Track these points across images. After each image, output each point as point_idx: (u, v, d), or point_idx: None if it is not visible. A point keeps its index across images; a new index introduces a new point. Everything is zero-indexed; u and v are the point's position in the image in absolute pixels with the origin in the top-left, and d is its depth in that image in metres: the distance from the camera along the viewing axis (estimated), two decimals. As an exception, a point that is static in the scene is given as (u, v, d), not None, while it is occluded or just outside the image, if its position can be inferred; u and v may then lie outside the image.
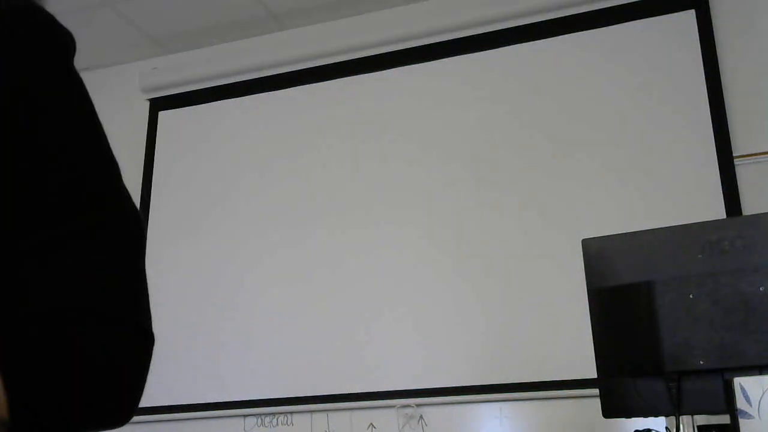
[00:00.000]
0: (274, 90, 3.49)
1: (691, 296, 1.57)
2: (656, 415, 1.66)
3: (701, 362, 1.54)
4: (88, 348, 0.63)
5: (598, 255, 1.74)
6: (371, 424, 2.95)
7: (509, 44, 3.16)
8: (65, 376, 0.62)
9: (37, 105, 0.67)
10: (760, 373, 1.49)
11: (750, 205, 2.71)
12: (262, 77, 3.51)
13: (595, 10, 3.08)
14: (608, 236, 1.77)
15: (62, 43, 0.71)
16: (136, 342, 0.67)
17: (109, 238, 0.67)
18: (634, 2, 3.03)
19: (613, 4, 3.05)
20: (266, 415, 3.09)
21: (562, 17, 3.11)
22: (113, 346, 0.65)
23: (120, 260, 0.68)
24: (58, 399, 0.61)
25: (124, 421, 0.67)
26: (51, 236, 0.65)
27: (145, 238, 0.72)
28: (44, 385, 0.61)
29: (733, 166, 2.76)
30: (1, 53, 0.66)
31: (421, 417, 2.89)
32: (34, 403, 0.60)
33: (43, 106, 0.67)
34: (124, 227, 0.69)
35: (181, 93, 3.62)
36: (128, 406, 0.67)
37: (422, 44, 3.28)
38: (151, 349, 0.69)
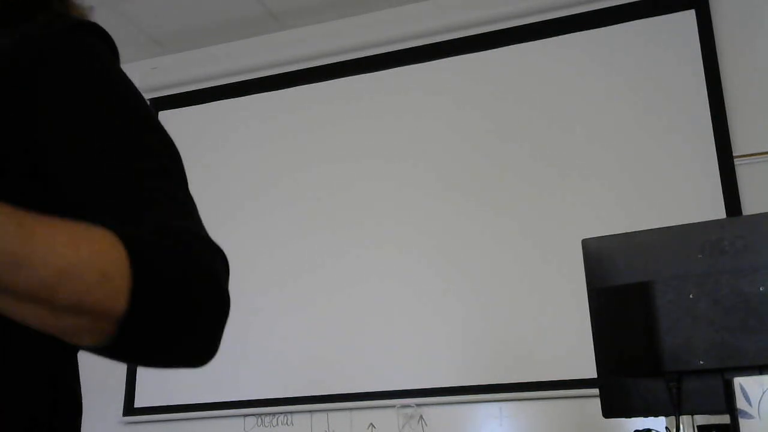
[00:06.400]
0: (274, 90, 3.49)
1: (691, 296, 1.57)
2: (656, 415, 1.66)
3: (701, 362, 1.54)
4: (203, 261, 0.69)
5: (598, 255, 1.74)
6: (371, 424, 2.95)
7: (509, 44, 3.16)
8: (184, 282, 0.65)
9: (95, 92, 0.77)
10: (760, 373, 1.49)
11: (750, 205, 2.71)
12: (262, 77, 3.51)
13: (595, 10, 3.07)
14: (608, 236, 1.77)
15: (111, 45, 0.85)
16: (223, 258, 0.73)
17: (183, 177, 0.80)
18: (634, 2, 3.03)
19: (613, 4, 3.05)
20: (266, 415, 3.09)
21: (561, 17, 3.11)
22: (217, 262, 0.71)
23: (187, 193, 0.78)
24: (169, 305, 0.64)
25: (210, 356, 0.70)
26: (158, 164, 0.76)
27: None
28: (164, 288, 0.64)
29: (733, 166, 2.76)
30: (55, 45, 0.77)
31: (421, 417, 2.89)
32: (149, 308, 0.62)
33: (104, 93, 0.77)
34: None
35: (181, 93, 3.62)
36: (217, 336, 0.69)
37: (422, 44, 3.28)
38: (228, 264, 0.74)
